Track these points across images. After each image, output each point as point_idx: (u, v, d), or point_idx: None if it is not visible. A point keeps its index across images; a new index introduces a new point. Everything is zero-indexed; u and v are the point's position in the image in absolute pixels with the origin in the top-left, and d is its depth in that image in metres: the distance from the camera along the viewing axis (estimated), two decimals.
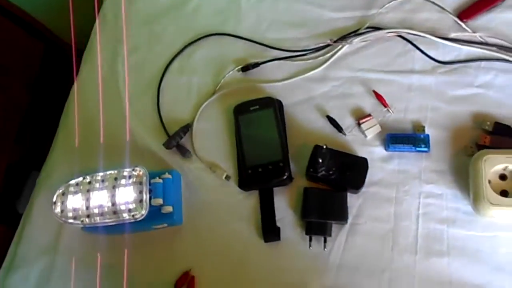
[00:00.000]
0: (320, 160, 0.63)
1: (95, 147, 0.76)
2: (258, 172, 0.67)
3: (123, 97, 0.79)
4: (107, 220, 0.64)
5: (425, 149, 0.65)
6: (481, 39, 0.71)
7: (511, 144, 0.62)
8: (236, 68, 0.77)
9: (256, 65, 0.76)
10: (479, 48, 0.71)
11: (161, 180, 0.67)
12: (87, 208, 0.64)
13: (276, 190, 0.68)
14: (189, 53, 0.81)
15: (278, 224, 0.65)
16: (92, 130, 0.77)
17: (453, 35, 0.72)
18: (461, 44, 0.71)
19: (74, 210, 0.65)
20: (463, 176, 0.63)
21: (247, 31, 0.80)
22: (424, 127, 0.67)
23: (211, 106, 0.76)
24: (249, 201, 0.68)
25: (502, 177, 0.61)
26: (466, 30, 0.72)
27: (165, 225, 0.68)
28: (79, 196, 0.65)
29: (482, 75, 0.70)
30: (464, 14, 0.73)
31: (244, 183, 0.69)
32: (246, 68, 0.76)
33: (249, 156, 0.68)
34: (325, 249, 0.63)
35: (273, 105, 0.70)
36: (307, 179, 0.68)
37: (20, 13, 1.20)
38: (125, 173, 0.66)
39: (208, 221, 0.69)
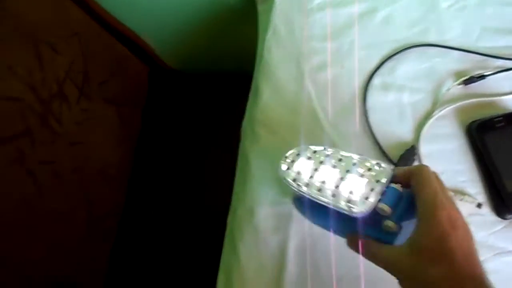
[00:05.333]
0: None
1: None
2: None
3: (322, 118, 0.71)
4: (322, 198, 0.55)
5: None
6: None
7: None
8: (454, 81, 0.69)
9: (482, 77, 0.68)
10: None
11: (400, 188, 0.57)
12: (311, 177, 0.56)
13: None
14: (390, 68, 0.73)
15: None
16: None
17: None
18: None
19: (298, 173, 0.57)
20: None
21: (455, 41, 0.72)
22: None
23: (434, 124, 0.67)
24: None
25: None
26: None
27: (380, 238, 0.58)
28: (310, 162, 0.57)
29: None
30: None
31: (508, 211, 0.60)
32: (469, 81, 0.68)
33: (510, 180, 0.60)
34: None
35: None
36: None
37: (130, 34, 1.13)
38: (368, 164, 0.56)
39: None
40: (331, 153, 0.58)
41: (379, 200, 0.54)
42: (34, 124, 0.85)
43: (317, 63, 0.76)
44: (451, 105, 0.68)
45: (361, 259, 0.60)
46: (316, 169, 0.57)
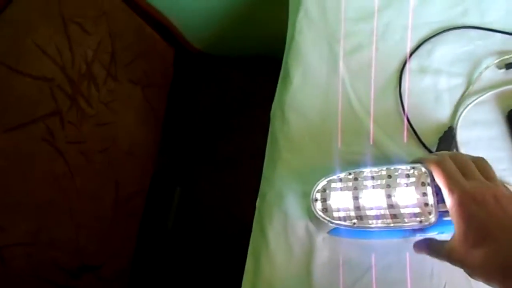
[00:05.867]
0: None
1: (326, 156, 0.66)
2: None
3: (354, 102, 0.69)
4: (383, 225, 0.54)
5: None
6: None
7: None
8: (495, 65, 0.66)
9: None
10: None
11: None
12: (358, 208, 0.55)
13: None
14: (427, 50, 0.70)
15: None
16: (314, 139, 0.68)
17: None
18: None
19: (341, 210, 0.55)
20: None
21: (498, 23, 0.69)
22: None
23: (473, 110, 0.65)
24: None
25: None
26: None
27: (436, 233, 0.58)
28: (345, 194, 0.56)
29: None
30: None
31: None
32: (510, 66, 0.66)
33: None
34: None
35: None
36: None
37: (157, 16, 1.12)
38: (402, 171, 0.56)
39: None
40: (358, 175, 0.57)
41: (437, 201, 0.54)
42: (63, 104, 0.86)
43: (351, 45, 0.73)
44: (491, 91, 0.65)
45: (396, 248, 0.60)
46: (356, 198, 0.56)
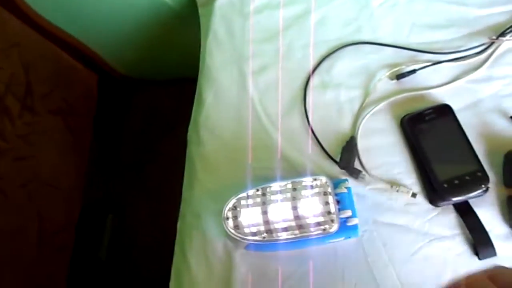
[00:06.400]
0: None
1: (239, 173, 0.69)
2: (454, 185, 0.62)
3: (264, 120, 0.72)
4: (291, 236, 0.58)
5: None
6: None
7: None
8: (387, 76, 0.72)
9: (413, 71, 0.71)
10: None
11: (346, 190, 0.62)
12: (267, 222, 0.58)
13: (471, 202, 0.63)
14: (327, 67, 0.75)
15: None
16: (228, 157, 0.71)
17: None
18: None
19: (252, 225, 0.58)
20: None
21: (388, 38, 0.75)
22: None
23: (370, 119, 0.70)
24: (446, 217, 0.63)
25: None
26: None
27: (343, 238, 0.62)
28: (254, 209, 0.59)
29: None
30: None
31: (438, 199, 0.63)
32: (401, 76, 0.71)
33: (440, 169, 0.63)
34: None
35: (452, 112, 0.66)
36: (506, 186, 0.63)
37: (74, 43, 1.10)
38: (306, 183, 0.59)
39: (403, 244, 0.62)
40: (265, 191, 0.60)
41: (338, 209, 0.58)
42: None
43: (258, 65, 0.77)
44: (385, 100, 0.70)
45: (309, 256, 0.63)
46: (265, 213, 0.58)
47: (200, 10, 0.88)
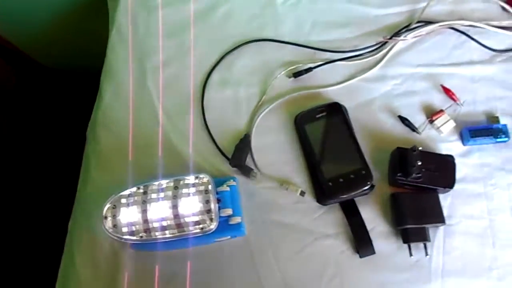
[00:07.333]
0: (413, 163, 0.59)
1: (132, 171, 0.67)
2: (339, 183, 0.62)
3: (160, 115, 0.71)
4: (169, 235, 0.57)
5: (506, 139, 0.64)
6: None
7: None
8: (285, 74, 0.72)
9: (309, 69, 0.71)
10: None
11: (228, 188, 0.61)
12: (145, 221, 0.57)
13: (357, 200, 0.63)
14: (228, 63, 0.74)
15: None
16: (122, 155, 0.69)
17: (505, 23, 0.72)
18: None
19: (130, 224, 0.57)
20: None
21: (289, 35, 0.75)
22: (497, 117, 0.66)
23: (266, 117, 0.69)
24: (332, 215, 0.63)
25: None
26: None
27: (229, 237, 0.62)
28: (133, 208, 0.57)
29: None
30: None
31: (325, 197, 0.63)
32: (298, 74, 0.71)
33: (326, 168, 0.63)
34: (427, 255, 0.59)
35: (341, 110, 0.66)
36: (390, 184, 0.64)
37: None
38: (187, 181, 0.58)
39: (289, 242, 0.62)
40: (146, 189, 0.58)
41: (219, 207, 0.57)
42: None
43: (159, 61, 0.75)
44: (281, 98, 0.70)
45: (192, 255, 0.62)
46: (144, 211, 0.57)
47: (109, 4, 0.85)
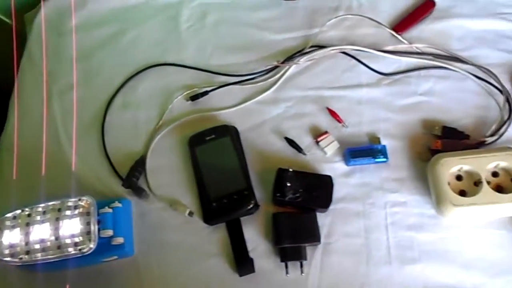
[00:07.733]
0: (288, 184, 0.62)
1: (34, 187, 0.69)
2: (223, 204, 0.64)
3: (63, 139, 0.73)
4: (49, 256, 0.58)
5: (384, 159, 0.67)
6: (417, 49, 0.75)
7: (460, 145, 0.66)
8: (183, 97, 0.74)
9: (205, 93, 0.74)
10: (416, 58, 0.75)
11: (110, 210, 0.63)
12: (27, 243, 0.58)
13: (243, 219, 0.65)
14: (131, 87, 0.77)
15: (251, 255, 0.63)
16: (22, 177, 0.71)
17: (391, 47, 0.75)
18: (400, 56, 0.75)
19: (11, 246, 0.58)
20: (423, 182, 0.66)
21: (191, 60, 0.78)
22: (379, 138, 0.69)
23: (163, 140, 0.72)
24: (217, 235, 0.65)
25: (458, 177, 0.63)
26: (402, 42, 0.76)
27: (115, 257, 0.63)
28: (17, 230, 0.59)
29: (423, 83, 0.74)
30: (399, 27, 0.77)
31: (210, 217, 0.65)
32: (195, 97, 0.74)
33: (211, 188, 0.66)
34: (303, 274, 0.61)
35: (230, 133, 0.69)
36: (274, 204, 0.66)
37: None
38: (70, 204, 0.61)
39: (176, 262, 0.64)
40: (31, 211, 0.60)
41: (99, 229, 0.58)
42: None
43: (65, 84, 0.77)
44: (177, 121, 0.73)
45: (75, 276, 0.63)
46: (27, 234, 0.59)
47: (27, 28, 0.87)
